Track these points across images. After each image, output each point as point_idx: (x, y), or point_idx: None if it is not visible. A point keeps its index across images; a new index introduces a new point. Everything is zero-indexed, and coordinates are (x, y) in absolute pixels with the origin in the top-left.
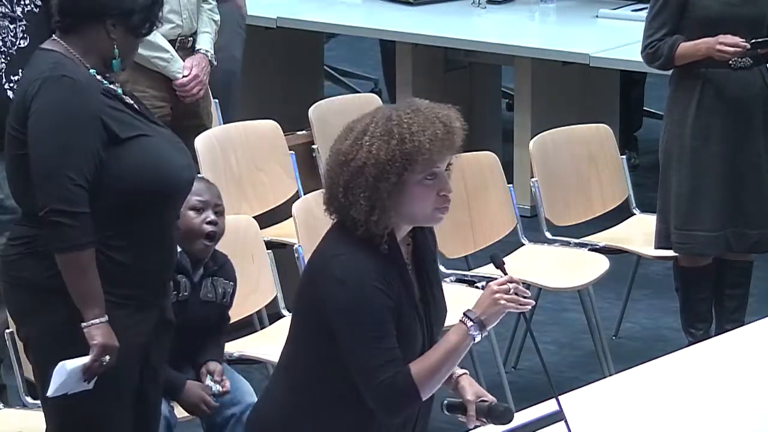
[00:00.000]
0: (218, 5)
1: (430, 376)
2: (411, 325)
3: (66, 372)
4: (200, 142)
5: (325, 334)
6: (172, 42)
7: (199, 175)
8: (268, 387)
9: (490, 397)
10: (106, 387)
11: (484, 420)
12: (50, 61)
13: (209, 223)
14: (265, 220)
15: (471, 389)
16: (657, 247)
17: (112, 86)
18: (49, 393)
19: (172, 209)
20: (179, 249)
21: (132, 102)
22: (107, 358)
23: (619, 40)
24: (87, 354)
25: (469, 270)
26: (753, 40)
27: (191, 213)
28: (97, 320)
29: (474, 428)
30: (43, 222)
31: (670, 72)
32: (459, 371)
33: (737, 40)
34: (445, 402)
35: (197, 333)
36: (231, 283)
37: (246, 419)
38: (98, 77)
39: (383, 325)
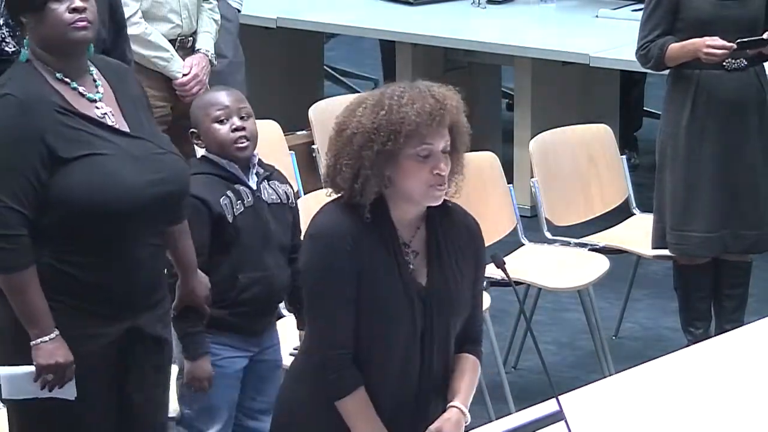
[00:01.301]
0: None
1: (348, 414)
2: (393, 301)
3: (3, 378)
4: None
5: None
6: (172, 42)
7: (218, 87)
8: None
9: None
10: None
11: None
12: (7, 76)
13: (235, 129)
14: None
15: (437, 423)
16: (654, 247)
17: (80, 88)
18: (3, 395)
19: (135, 226)
20: (224, 161)
21: (104, 112)
22: (50, 377)
23: (619, 40)
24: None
25: None
26: (739, 40)
27: (216, 125)
28: (38, 339)
29: None
30: None
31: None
32: (454, 402)
33: (724, 42)
34: None
35: (281, 237)
36: (287, 185)
37: None
38: (66, 80)
39: (336, 284)
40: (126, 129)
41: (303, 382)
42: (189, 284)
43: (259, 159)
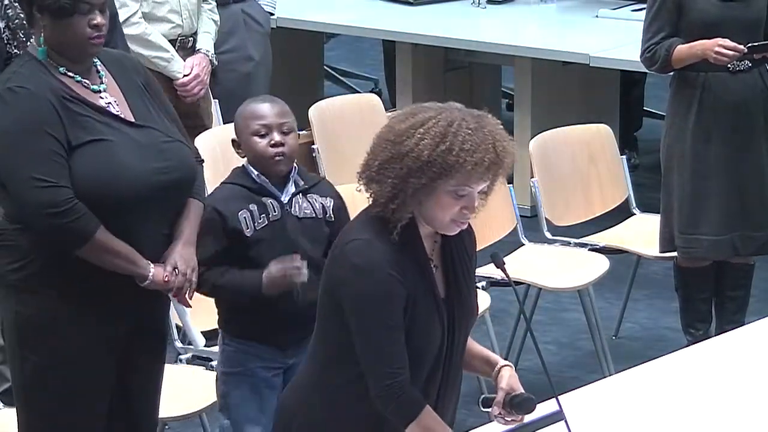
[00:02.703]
0: (228, 6)
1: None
2: (428, 320)
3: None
4: (200, 142)
5: (341, 315)
6: (172, 42)
7: (264, 96)
8: (299, 369)
9: (522, 392)
10: (67, 386)
11: (508, 410)
12: (11, 70)
13: (274, 145)
14: None
15: (507, 381)
16: (662, 251)
17: (84, 81)
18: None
19: (140, 214)
20: (255, 173)
21: (108, 101)
22: (183, 279)
23: (619, 40)
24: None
25: None
26: (750, 44)
27: (255, 138)
28: (148, 276)
29: (496, 418)
30: (46, 233)
31: (670, 74)
32: (501, 362)
33: (735, 44)
34: (482, 398)
35: (312, 253)
36: (330, 198)
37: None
38: (70, 73)
39: (394, 314)
40: (131, 118)
41: (325, 397)
42: (168, 252)
43: (302, 170)
